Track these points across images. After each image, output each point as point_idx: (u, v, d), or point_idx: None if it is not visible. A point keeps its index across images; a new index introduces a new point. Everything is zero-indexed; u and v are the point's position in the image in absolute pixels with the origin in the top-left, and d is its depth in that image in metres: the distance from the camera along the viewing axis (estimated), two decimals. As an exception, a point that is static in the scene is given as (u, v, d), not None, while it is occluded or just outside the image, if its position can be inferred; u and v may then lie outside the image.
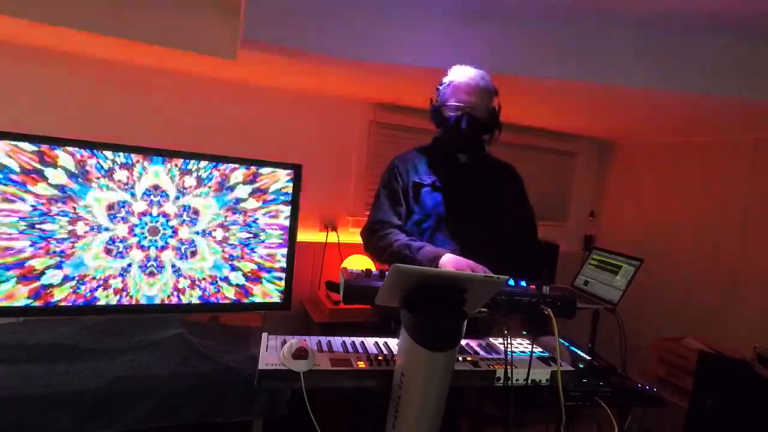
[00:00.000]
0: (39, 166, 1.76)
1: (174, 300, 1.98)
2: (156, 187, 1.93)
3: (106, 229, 1.87)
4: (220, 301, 2.06)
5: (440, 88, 1.60)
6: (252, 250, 2.10)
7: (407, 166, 1.62)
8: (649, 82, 2.00)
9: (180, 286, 1.99)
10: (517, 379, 1.21)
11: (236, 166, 2.04)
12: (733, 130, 2.72)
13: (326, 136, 2.82)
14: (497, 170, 1.70)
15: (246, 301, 2.10)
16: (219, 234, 2.04)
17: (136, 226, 1.91)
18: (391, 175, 1.62)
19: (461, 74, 1.56)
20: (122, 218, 1.89)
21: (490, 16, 1.93)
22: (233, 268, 2.07)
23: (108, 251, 1.88)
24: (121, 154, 1.87)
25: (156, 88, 2.40)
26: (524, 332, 1.52)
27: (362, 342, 1.33)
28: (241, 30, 1.77)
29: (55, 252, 1.80)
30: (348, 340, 1.32)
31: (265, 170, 2.10)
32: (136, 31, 1.80)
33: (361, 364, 1.18)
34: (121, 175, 1.88)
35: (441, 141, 1.63)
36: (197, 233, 2.01)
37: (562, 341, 1.62)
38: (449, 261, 1.36)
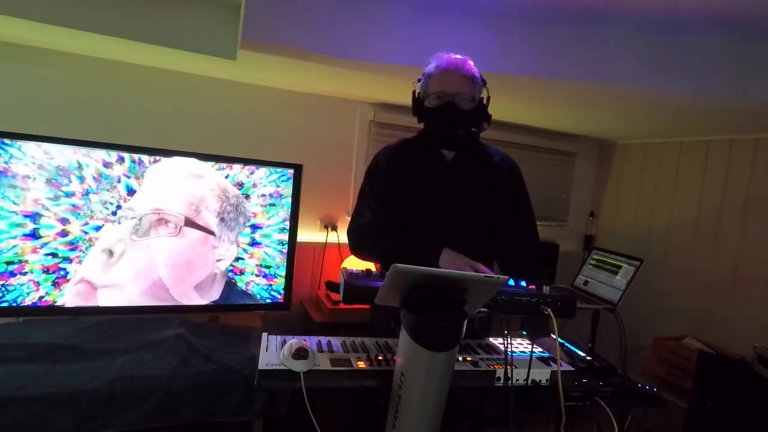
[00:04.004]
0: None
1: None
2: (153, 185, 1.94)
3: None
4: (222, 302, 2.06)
5: (422, 78, 1.49)
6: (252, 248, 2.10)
7: (390, 159, 1.55)
8: (649, 82, 2.00)
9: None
10: (517, 379, 1.21)
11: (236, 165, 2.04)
12: (733, 130, 2.72)
13: (326, 136, 2.82)
14: (490, 168, 1.55)
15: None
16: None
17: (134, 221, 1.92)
18: (375, 171, 1.56)
19: (443, 61, 1.45)
20: (123, 217, 1.89)
21: (490, 16, 1.93)
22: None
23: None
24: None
25: (156, 88, 2.40)
26: (524, 332, 1.52)
27: (362, 342, 1.33)
28: (241, 30, 1.77)
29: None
30: (348, 340, 1.33)
31: (264, 170, 2.10)
32: (136, 31, 1.80)
33: (361, 364, 1.18)
34: (120, 173, 1.88)
35: (424, 136, 1.55)
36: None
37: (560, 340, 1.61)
38: (447, 259, 1.33)
